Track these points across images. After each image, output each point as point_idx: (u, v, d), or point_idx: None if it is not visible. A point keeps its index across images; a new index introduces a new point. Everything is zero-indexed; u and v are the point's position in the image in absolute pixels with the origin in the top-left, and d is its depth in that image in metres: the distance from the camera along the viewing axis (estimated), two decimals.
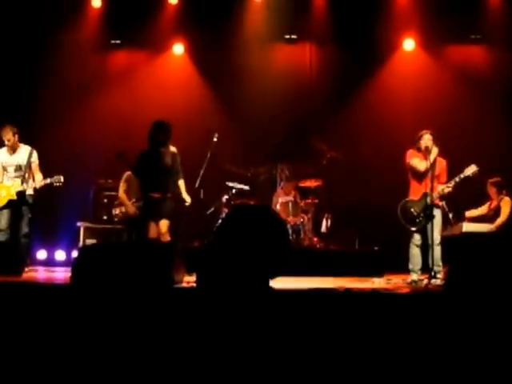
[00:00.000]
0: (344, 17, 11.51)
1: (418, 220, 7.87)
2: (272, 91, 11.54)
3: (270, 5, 11.71)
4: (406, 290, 6.98)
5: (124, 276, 2.11)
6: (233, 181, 10.45)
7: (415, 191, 8.01)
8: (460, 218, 9.25)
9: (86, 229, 10.57)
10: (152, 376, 2.06)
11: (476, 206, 9.45)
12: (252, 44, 11.79)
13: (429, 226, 7.70)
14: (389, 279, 8.51)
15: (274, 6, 11.65)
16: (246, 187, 10.53)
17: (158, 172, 8.00)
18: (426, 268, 7.74)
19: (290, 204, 10.57)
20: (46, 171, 8.88)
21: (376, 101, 11.68)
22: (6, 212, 8.61)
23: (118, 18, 11.56)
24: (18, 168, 8.74)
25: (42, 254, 11.04)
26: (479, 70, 11.47)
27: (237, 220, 2.28)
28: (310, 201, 10.74)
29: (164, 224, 7.94)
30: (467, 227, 8.81)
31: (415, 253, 7.98)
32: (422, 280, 7.65)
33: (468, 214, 9.36)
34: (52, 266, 10.47)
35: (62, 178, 8.66)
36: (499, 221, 8.98)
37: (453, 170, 8.03)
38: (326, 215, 10.72)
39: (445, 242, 7.95)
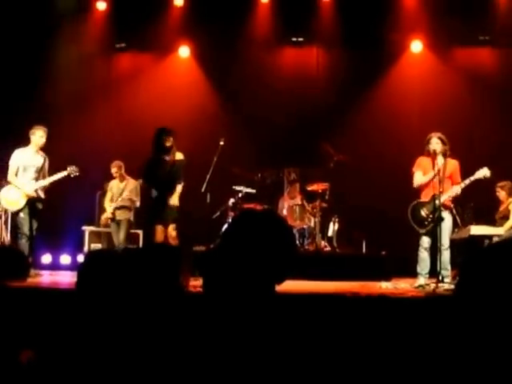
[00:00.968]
0: (351, 19, 11.47)
1: (427, 222, 7.80)
2: (279, 94, 11.53)
3: (277, 7, 11.67)
4: (413, 295, 6.92)
5: (131, 281, 2.07)
6: (239, 184, 10.40)
7: (425, 193, 7.95)
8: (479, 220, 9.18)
9: (91, 233, 10.57)
10: (160, 382, 2.01)
11: (489, 209, 9.38)
12: (259, 47, 11.78)
13: (438, 230, 7.64)
14: (396, 283, 8.44)
15: (280, 8, 11.62)
16: (253, 191, 10.48)
17: (162, 178, 8.10)
18: (434, 272, 7.68)
19: (297, 208, 10.52)
20: (51, 175, 8.92)
21: (383, 103, 11.62)
22: (27, 217, 8.61)
23: (123, 21, 11.56)
24: (37, 170, 8.78)
25: (46, 258, 11.00)
26: (488, 72, 11.41)
27: (242, 225, 2.24)
28: (317, 204, 10.66)
29: (172, 228, 8.03)
30: (475, 230, 8.74)
31: (424, 257, 7.93)
32: (430, 284, 7.57)
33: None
34: (57, 270, 10.44)
35: (76, 168, 8.90)
36: (508, 224, 8.91)
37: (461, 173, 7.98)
38: (333, 219, 10.66)
39: (453, 245, 7.90)
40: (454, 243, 8.03)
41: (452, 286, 6.94)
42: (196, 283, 6.67)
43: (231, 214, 10.10)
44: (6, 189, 8.81)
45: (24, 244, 8.68)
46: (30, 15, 11.04)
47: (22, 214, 8.72)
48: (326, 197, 10.68)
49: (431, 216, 7.75)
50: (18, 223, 8.81)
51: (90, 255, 2.24)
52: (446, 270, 7.60)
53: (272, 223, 2.24)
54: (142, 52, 12.16)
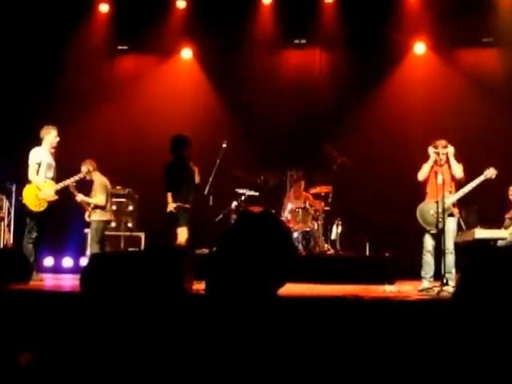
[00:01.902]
0: (353, 21, 11.45)
1: (436, 222, 7.77)
2: (281, 96, 11.52)
3: (279, 10, 11.65)
4: (417, 298, 6.89)
5: (134, 284, 2.05)
6: (242, 187, 10.38)
7: (432, 194, 7.92)
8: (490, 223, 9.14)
9: None
10: None
11: (493, 212, 9.33)
12: (261, 49, 11.76)
13: (442, 232, 7.63)
14: (400, 286, 8.39)
15: (282, 10, 11.59)
16: (256, 193, 10.45)
17: (183, 184, 8.33)
18: (439, 275, 7.65)
19: (300, 211, 10.47)
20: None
21: (386, 105, 11.59)
22: (38, 221, 8.56)
23: (126, 23, 11.55)
24: (54, 171, 8.75)
25: (49, 261, 10.98)
26: (491, 74, 11.36)
27: (240, 227, 2.24)
28: (320, 207, 10.63)
29: (184, 232, 8.14)
30: (480, 233, 8.68)
31: (428, 260, 7.92)
32: (434, 287, 7.53)
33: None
34: (59, 273, 10.41)
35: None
36: None
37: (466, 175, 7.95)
38: (336, 222, 10.62)
39: (457, 248, 7.87)
40: (458, 246, 7.99)
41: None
42: (199, 286, 6.68)
43: (234, 216, 10.08)
44: (30, 187, 8.60)
45: (30, 248, 8.59)
46: (31, 18, 11.04)
47: (35, 220, 8.57)
48: (329, 200, 10.66)
49: (441, 217, 7.71)
50: (28, 225, 8.59)
51: (94, 258, 2.23)
52: (451, 274, 7.56)
53: (269, 225, 2.24)
54: (144, 54, 12.16)
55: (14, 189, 10.42)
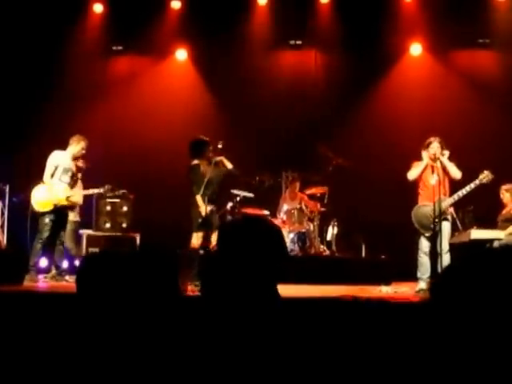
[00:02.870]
0: (350, 22, 11.44)
1: (432, 225, 7.76)
2: (277, 98, 11.49)
3: (275, 10, 11.63)
4: (413, 299, 6.87)
5: (129, 284, 2.03)
6: (237, 188, 10.34)
7: (427, 196, 7.92)
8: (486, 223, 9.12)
9: (88, 237, 10.47)
10: None
11: (488, 213, 9.32)
12: (256, 50, 11.73)
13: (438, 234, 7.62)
14: (396, 287, 8.38)
15: (278, 11, 11.57)
16: (251, 195, 10.42)
17: (212, 186, 8.52)
18: (433, 276, 7.64)
19: (296, 212, 10.46)
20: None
21: (382, 106, 11.59)
22: (50, 223, 8.50)
23: (120, 24, 11.52)
24: (72, 176, 8.70)
25: (43, 262, 10.89)
26: (487, 75, 11.38)
27: (231, 231, 2.26)
28: (315, 208, 10.62)
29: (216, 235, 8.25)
30: (476, 234, 8.66)
31: (424, 261, 7.92)
32: None
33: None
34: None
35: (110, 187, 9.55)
36: (511, 228, 8.84)
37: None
38: (332, 222, 10.61)
39: (453, 248, 7.86)
40: (454, 247, 7.99)
41: None
42: (194, 287, 6.70)
43: (229, 217, 10.05)
44: (39, 187, 8.57)
45: (38, 248, 8.52)
46: (25, 18, 11.01)
47: (46, 219, 8.48)
48: (325, 200, 10.65)
49: (436, 219, 7.71)
50: (39, 226, 8.51)
51: (88, 258, 2.21)
52: None
53: (258, 226, 2.26)
54: (139, 55, 12.12)
55: (7, 190, 10.34)
